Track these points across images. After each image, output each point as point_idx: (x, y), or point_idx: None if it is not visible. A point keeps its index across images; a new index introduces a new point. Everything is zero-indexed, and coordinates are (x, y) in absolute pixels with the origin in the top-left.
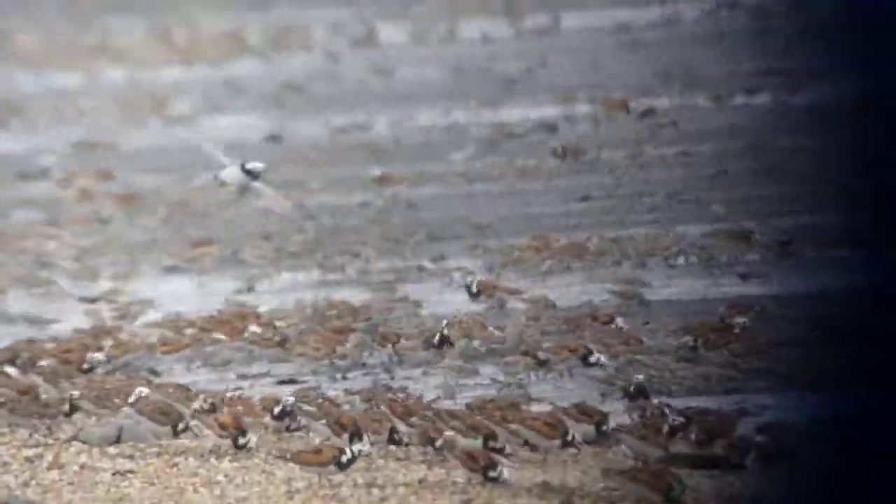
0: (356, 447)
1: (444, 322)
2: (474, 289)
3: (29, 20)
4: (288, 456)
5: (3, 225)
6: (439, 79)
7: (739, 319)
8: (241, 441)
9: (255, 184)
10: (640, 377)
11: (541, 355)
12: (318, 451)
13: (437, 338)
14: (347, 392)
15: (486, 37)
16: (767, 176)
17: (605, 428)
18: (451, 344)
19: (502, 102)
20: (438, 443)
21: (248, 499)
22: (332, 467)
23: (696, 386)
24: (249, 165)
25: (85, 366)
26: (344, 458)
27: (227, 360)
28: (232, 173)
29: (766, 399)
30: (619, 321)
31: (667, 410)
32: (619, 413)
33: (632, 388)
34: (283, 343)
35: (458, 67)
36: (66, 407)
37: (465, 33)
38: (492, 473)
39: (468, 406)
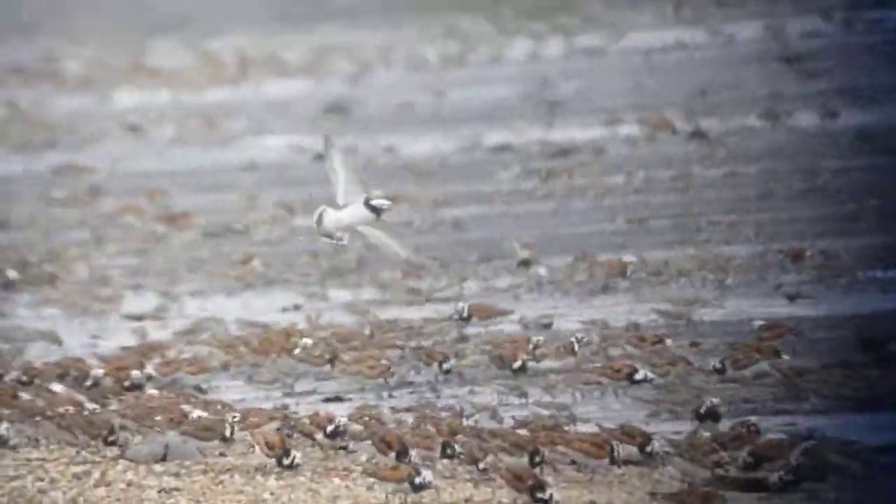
0: (425, 475)
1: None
2: (465, 314)
3: (76, 43)
4: (366, 469)
5: (51, 243)
6: (487, 99)
7: (781, 340)
8: (286, 461)
9: (365, 229)
10: (716, 400)
11: (587, 376)
12: (395, 468)
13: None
14: (394, 410)
15: (535, 57)
16: (814, 197)
17: (649, 449)
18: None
19: (550, 122)
20: (482, 465)
21: None
22: (406, 485)
23: (743, 407)
24: (376, 201)
25: (129, 384)
26: (417, 480)
27: (273, 378)
28: (350, 213)
29: (814, 421)
30: (668, 342)
31: (749, 427)
32: (665, 434)
33: (703, 410)
34: (330, 361)
35: (506, 88)
36: (110, 429)
37: (513, 53)
38: (540, 495)
39: (514, 426)
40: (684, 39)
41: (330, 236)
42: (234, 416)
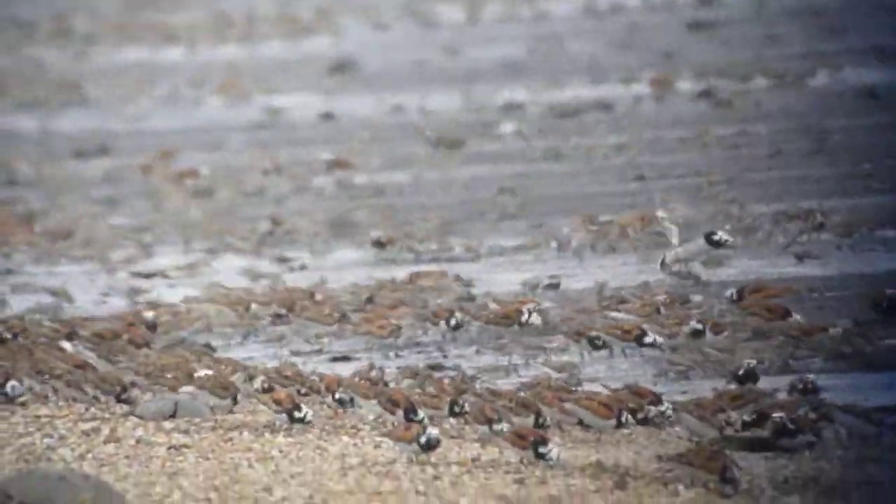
0: (431, 432)
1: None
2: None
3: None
4: (382, 431)
5: (62, 203)
6: (498, 57)
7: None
8: (297, 415)
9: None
10: (753, 361)
11: (594, 335)
12: (407, 428)
13: (453, 321)
14: (401, 370)
15: (545, 15)
16: (824, 157)
17: (659, 409)
18: (460, 326)
19: (561, 81)
20: (494, 426)
21: (303, 474)
22: (415, 445)
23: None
24: (718, 235)
25: (138, 342)
26: (423, 440)
27: (280, 337)
28: (691, 248)
29: (821, 380)
30: (677, 302)
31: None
32: (672, 394)
33: (741, 372)
34: (339, 320)
35: (518, 46)
36: (121, 386)
37: (525, 12)
38: (542, 450)
39: (522, 386)
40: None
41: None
42: (255, 375)
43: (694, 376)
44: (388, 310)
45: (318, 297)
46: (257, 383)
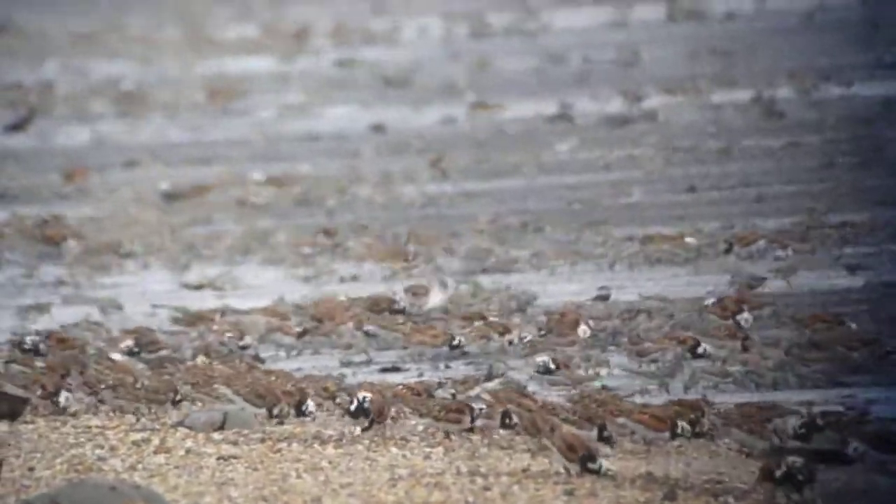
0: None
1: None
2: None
3: (135, 13)
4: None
5: (108, 212)
6: (543, 68)
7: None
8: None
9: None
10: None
11: (648, 347)
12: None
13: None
14: (453, 381)
15: (593, 25)
16: (876, 167)
17: (707, 421)
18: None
19: (608, 92)
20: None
21: (352, 485)
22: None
23: (802, 380)
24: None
25: (188, 352)
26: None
27: (329, 348)
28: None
29: (872, 393)
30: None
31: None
32: (721, 406)
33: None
34: (375, 332)
35: (561, 57)
36: (172, 395)
37: (565, 23)
38: (591, 465)
39: (571, 398)
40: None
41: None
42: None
43: (742, 388)
44: (440, 320)
45: (366, 307)
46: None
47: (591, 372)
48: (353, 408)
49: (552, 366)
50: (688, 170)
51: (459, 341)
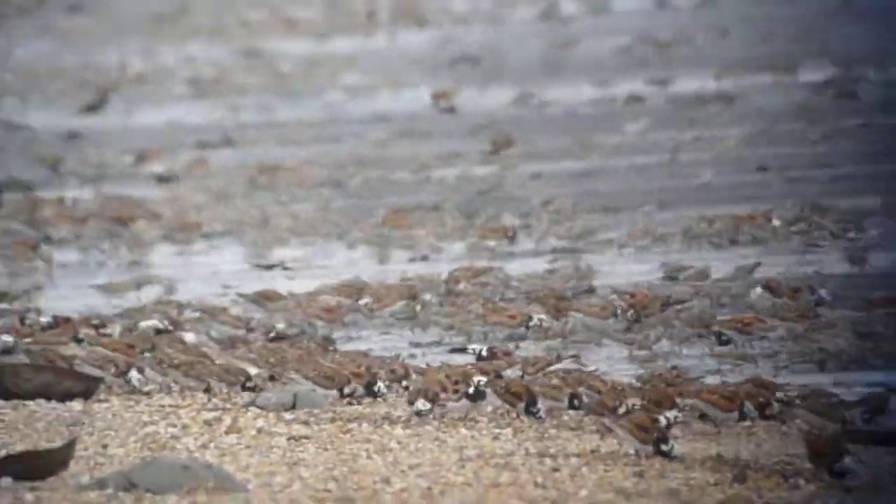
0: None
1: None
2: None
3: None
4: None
5: (179, 192)
6: (616, 50)
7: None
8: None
9: None
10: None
11: (715, 328)
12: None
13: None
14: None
15: (664, 6)
16: None
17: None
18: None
19: (680, 73)
20: (621, 411)
21: (421, 465)
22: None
23: (869, 360)
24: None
25: (259, 333)
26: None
27: (399, 328)
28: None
29: None
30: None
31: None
32: (792, 387)
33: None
34: (455, 313)
35: (637, 38)
36: (244, 378)
37: (643, 4)
38: (664, 447)
39: (639, 378)
40: None
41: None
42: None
43: (812, 369)
44: (508, 302)
45: (436, 289)
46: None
47: (660, 352)
48: (471, 391)
49: (627, 346)
50: (760, 150)
51: (540, 321)
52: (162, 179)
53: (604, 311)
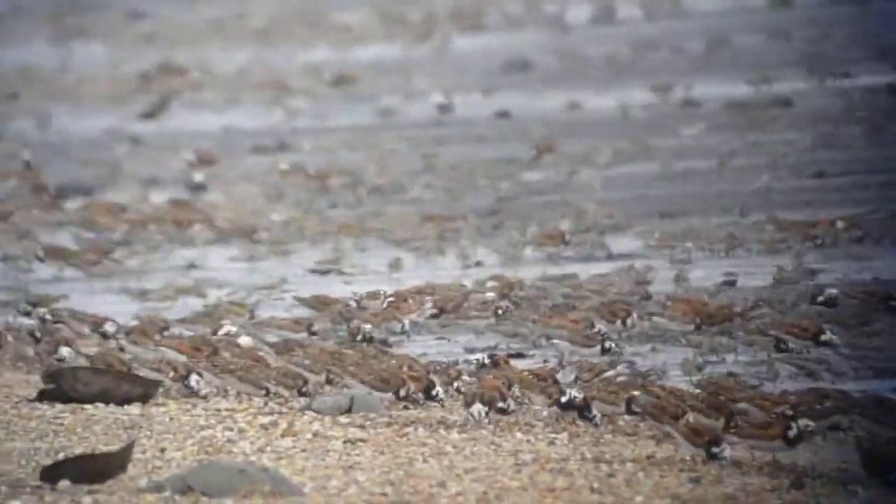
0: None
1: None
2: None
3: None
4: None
5: (236, 197)
6: (671, 53)
7: None
8: (502, 405)
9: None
10: None
11: (773, 333)
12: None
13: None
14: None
15: (723, 10)
16: None
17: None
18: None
19: (737, 76)
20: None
21: (476, 470)
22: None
23: None
24: None
25: (314, 336)
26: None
27: (455, 333)
28: None
29: None
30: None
31: None
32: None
33: None
34: (507, 316)
35: (692, 41)
36: (300, 383)
37: (699, 6)
38: (715, 450)
39: (697, 385)
40: None
41: None
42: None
43: (868, 376)
44: (563, 307)
45: (489, 293)
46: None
47: (719, 357)
48: (563, 399)
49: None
50: (817, 155)
51: (600, 329)
52: (218, 184)
53: (659, 318)
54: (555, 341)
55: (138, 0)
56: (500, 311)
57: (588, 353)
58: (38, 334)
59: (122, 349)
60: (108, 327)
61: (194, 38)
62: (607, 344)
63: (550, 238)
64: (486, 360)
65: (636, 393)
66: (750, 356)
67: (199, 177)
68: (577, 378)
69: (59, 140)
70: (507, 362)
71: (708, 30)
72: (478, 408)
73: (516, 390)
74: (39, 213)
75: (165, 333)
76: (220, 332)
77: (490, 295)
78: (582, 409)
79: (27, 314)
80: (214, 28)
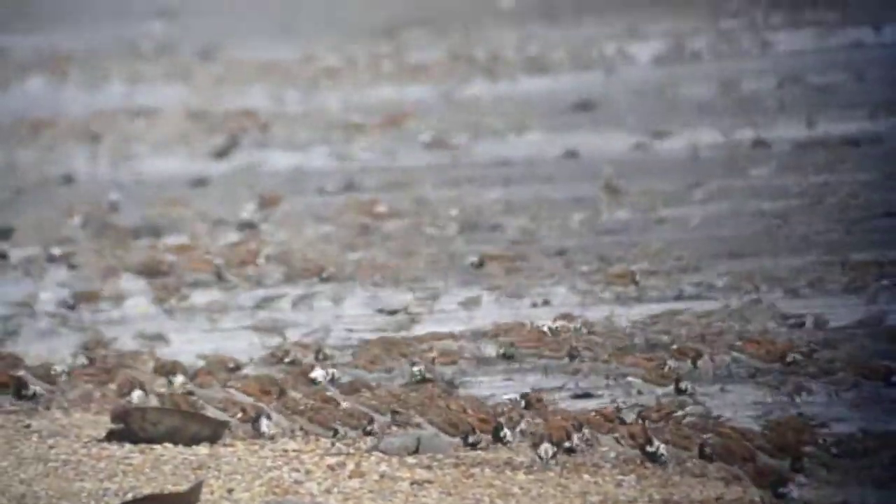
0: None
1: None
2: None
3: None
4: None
5: (304, 236)
6: (743, 92)
7: None
8: (568, 445)
9: None
10: None
11: (843, 376)
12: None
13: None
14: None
15: (800, 49)
16: None
17: None
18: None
19: (810, 117)
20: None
21: None
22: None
23: None
24: None
25: (381, 377)
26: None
27: (523, 373)
28: None
29: None
30: None
31: None
32: None
33: None
34: (575, 355)
35: (763, 81)
36: (366, 423)
37: (778, 46)
38: (783, 490)
39: (766, 426)
40: None
41: None
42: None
43: None
44: (642, 347)
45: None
46: (523, 424)
47: (786, 399)
48: (649, 449)
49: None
50: (886, 195)
51: (671, 367)
52: (286, 223)
53: (728, 357)
54: (629, 379)
55: (208, 41)
56: (568, 351)
57: (662, 392)
58: (106, 374)
59: (189, 392)
60: (177, 368)
61: (264, 77)
62: (682, 384)
63: (620, 278)
64: (519, 400)
65: (708, 436)
66: (821, 397)
67: (267, 216)
68: (642, 418)
69: (131, 180)
70: (539, 401)
71: (778, 69)
72: (545, 447)
73: (586, 432)
74: (114, 253)
75: (233, 374)
76: (285, 372)
77: (558, 334)
78: (652, 453)
79: (93, 353)
80: (284, 69)
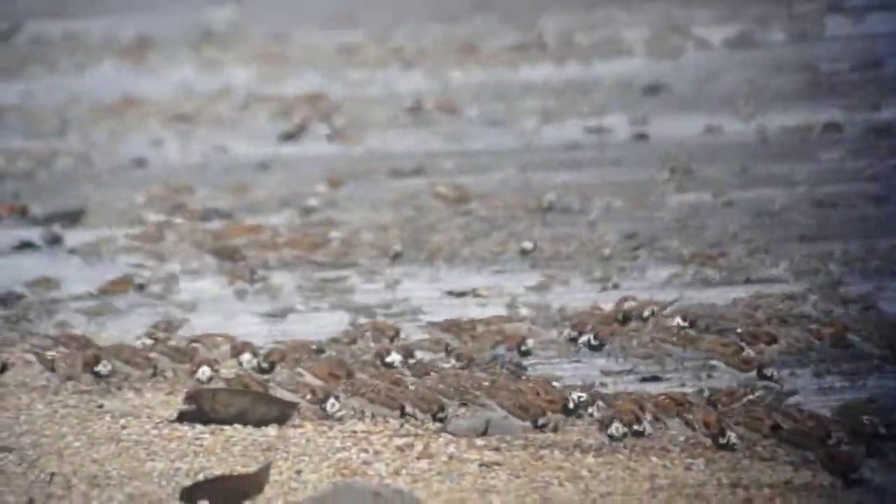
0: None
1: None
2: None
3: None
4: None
5: (373, 219)
6: (813, 77)
7: None
8: (721, 441)
9: None
10: None
11: None
12: None
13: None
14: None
15: (871, 33)
16: None
17: None
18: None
19: (880, 101)
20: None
21: (612, 494)
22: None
23: None
24: None
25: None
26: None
27: (591, 356)
28: None
29: None
30: None
31: None
32: None
33: None
34: (643, 339)
35: (831, 65)
36: (436, 407)
37: (839, 30)
38: (853, 476)
39: (837, 411)
40: None
41: None
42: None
43: None
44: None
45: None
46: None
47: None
48: (721, 441)
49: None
50: None
51: (749, 353)
52: (356, 206)
53: (799, 342)
54: (713, 363)
55: (276, 25)
56: (637, 335)
57: (744, 378)
58: (179, 355)
59: (263, 370)
60: (247, 349)
61: (334, 61)
62: (768, 371)
63: (691, 261)
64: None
65: (780, 420)
66: (891, 380)
67: (336, 198)
68: (713, 402)
69: (203, 163)
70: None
71: (849, 53)
72: (616, 426)
73: (654, 415)
74: (185, 236)
75: (304, 356)
76: (357, 354)
77: (628, 318)
78: (719, 436)
79: (165, 334)
80: (350, 51)
